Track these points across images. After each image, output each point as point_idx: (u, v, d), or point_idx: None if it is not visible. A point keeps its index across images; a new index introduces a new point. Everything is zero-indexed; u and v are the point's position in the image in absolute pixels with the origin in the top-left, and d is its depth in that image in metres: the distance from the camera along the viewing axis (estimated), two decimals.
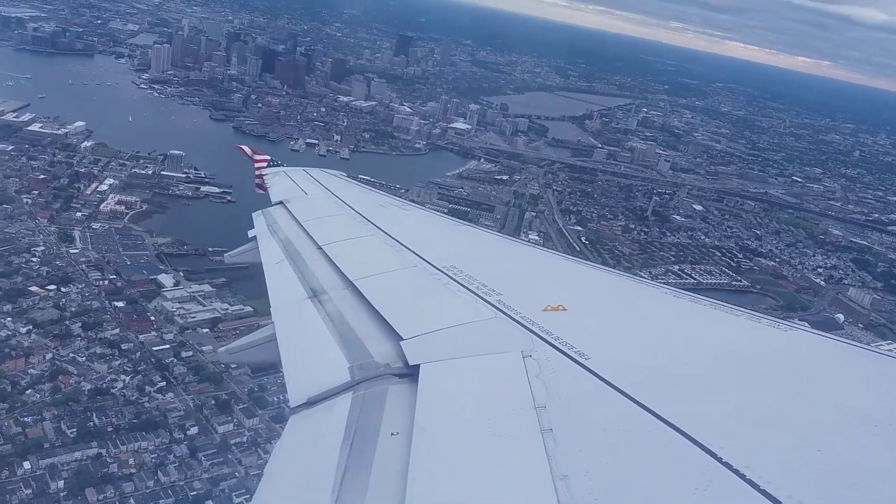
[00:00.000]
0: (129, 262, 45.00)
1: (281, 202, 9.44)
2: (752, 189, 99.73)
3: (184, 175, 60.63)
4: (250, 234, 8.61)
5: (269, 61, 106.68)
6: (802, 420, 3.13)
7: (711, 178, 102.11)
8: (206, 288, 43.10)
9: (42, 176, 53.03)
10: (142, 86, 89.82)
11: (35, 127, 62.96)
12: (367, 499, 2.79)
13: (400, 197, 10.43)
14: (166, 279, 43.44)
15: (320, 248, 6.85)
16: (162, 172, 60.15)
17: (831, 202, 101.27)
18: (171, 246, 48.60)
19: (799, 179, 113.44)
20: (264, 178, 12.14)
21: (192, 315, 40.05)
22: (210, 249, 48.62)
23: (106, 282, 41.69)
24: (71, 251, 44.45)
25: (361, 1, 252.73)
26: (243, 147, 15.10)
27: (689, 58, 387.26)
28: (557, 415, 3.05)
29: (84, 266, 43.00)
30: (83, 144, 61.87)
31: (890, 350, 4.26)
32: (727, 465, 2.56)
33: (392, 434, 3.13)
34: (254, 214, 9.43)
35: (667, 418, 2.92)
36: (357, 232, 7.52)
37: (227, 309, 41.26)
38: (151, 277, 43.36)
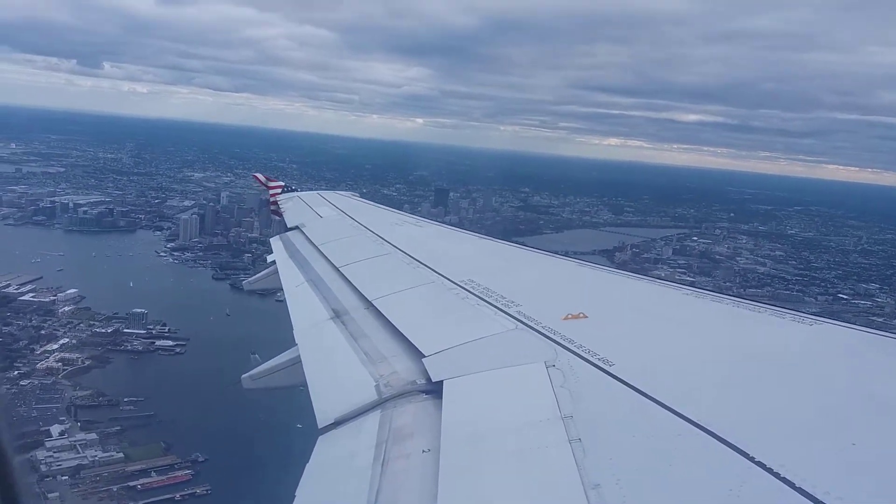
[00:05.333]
0: (34, 415, 47.37)
1: (297, 227, 10.46)
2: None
3: (145, 331, 64.43)
4: (269, 258, 9.74)
5: None
6: (835, 414, 3.09)
7: None
8: (91, 437, 44.52)
9: None
10: (161, 254, 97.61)
11: (28, 297, 69.49)
12: None
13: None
14: (57, 429, 45.41)
15: (338, 270, 7.24)
16: (124, 330, 64.30)
17: (873, 318, 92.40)
18: (86, 398, 50.91)
19: (845, 297, 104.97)
20: (279, 203, 13.47)
21: (57, 463, 41.33)
22: (125, 400, 50.81)
23: None
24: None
25: (434, 162, 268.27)
26: (258, 175, 16.39)
27: (778, 185, 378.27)
28: (585, 424, 3.06)
29: None
30: (62, 309, 67.48)
31: None
32: (760, 464, 2.54)
33: (424, 451, 3.16)
34: (272, 240, 10.77)
35: (696, 420, 2.91)
36: (373, 251, 7.96)
37: (96, 456, 42.35)
38: (44, 428, 45.46)
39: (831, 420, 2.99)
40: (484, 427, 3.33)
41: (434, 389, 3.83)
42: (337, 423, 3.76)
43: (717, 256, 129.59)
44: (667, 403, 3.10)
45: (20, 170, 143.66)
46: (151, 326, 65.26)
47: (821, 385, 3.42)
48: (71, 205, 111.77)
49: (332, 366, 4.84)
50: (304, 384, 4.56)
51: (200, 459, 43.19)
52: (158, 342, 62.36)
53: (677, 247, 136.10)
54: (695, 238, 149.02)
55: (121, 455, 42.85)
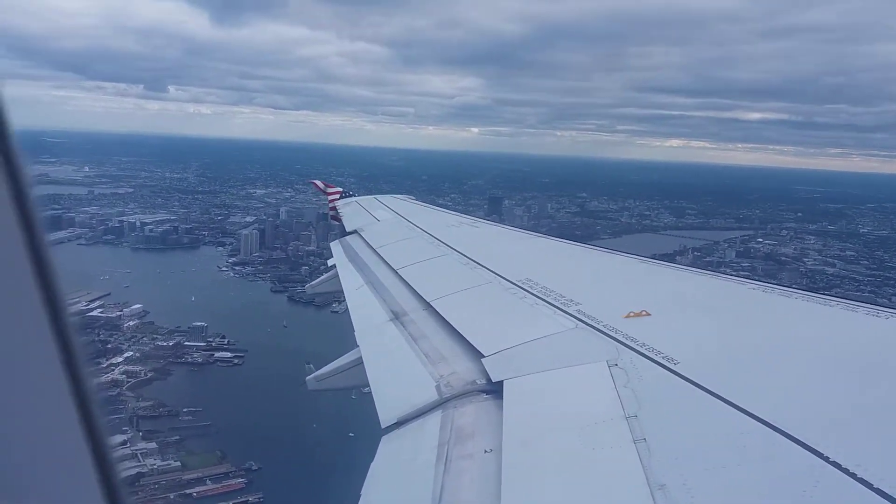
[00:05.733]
0: None
1: (355, 230, 10.93)
2: None
3: (205, 343, 66.30)
4: (329, 262, 10.20)
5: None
6: None
7: None
8: (152, 446, 46.08)
9: None
10: (223, 269, 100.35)
11: (97, 312, 72.41)
12: None
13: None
14: (119, 438, 47.06)
15: (396, 272, 7.32)
16: (185, 343, 66.32)
17: None
18: (148, 409, 52.73)
19: None
20: (337, 208, 14.38)
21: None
22: (184, 410, 52.40)
23: None
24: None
25: (489, 171, 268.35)
26: (316, 182, 17.11)
27: (850, 182, 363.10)
28: (650, 423, 3.03)
29: None
30: (127, 324, 70.10)
31: None
32: (835, 464, 2.44)
33: (486, 451, 3.19)
34: (332, 244, 11.21)
35: (765, 419, 2.84)
36: (430, 253, 8.04)
37: (155, 465, 43.78)
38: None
39: None
40: (546, 427, 3.33)
41: (494, 390, 3.83)
42: (399, 424, 3.79)
43: (783, 258, 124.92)
44: (734, 402, 3.02)
45: (92, 192, 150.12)
46: (211, 339, 67.15)
47: None
48: (138, 223, 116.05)
49: (393, 367, 4.89)
50: (366, 385, 4.63)
51: (254, 468, 44.17)
52: (217, 354, 64.11)
53: (741, 249, 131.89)
54: (760, 240, 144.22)
55: (178, 464, 44.20)
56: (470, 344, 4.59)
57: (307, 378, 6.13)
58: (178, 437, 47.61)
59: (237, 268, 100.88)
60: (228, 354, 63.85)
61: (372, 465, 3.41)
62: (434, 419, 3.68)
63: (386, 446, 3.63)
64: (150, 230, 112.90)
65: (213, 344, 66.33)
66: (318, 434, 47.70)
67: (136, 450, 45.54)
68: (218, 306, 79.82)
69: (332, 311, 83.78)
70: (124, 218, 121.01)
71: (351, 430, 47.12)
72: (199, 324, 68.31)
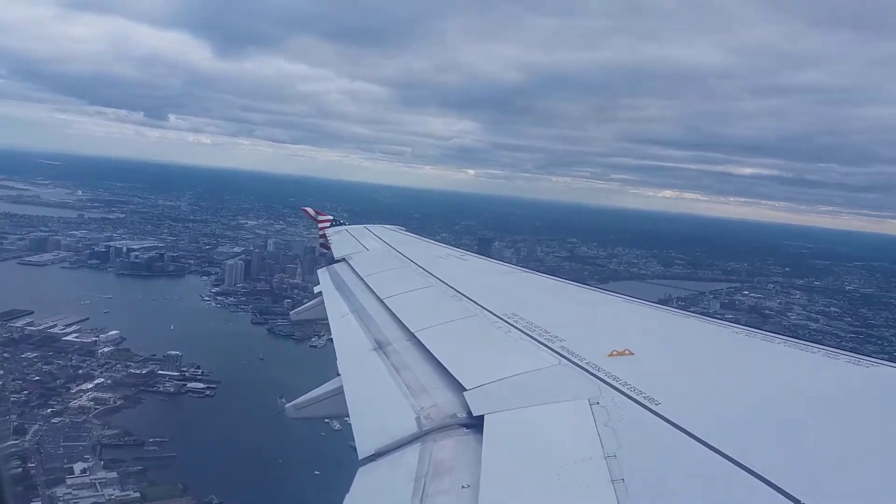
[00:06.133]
0: (60, 452, 48.65)
1: (343, 258, 10.75)
2: None
3: (178, 373, 65.73)
4: (316, 289, 9.89)
5: None
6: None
7: None
8: (112, 475, 45.34)
9: (37, 378, 60.09)
10: (205, 298, 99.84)
11: (71, 337, 71.89)
12: None
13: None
14: (80, 467, 46.38)
15: (382, 301, 7.27)
16: (158, 371, 65.74)
17: None
18: (113, 438, 52.01)
19: None
20: (328, 236, 14.27)
21: (75, 501, 42.12)
22: (150, 440, 51.74)
23: (20, 470, 45.27)
24: (11, 443, 48.97)
25: (482, 213, 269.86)
26: (307, 209, 16.91)
27: (839, 240, 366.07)
28: (629, 464, 2.98)
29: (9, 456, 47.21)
30: (102, 350, 69.53)
31: None
32: None
33: (463, 487, 3.13)
34: (319, 271, 10.79)
35: (745, 464, 2.81)
36: (417, 284, 7.99)
37: (112, 495, 43.03)
38: (67, 466, 46.50)
39: (892, 468, 2.82)
40: (525, 464, 3.28)
41: (475, 424, 3.79)
42: (377, 455, 3.74)
43: (767, 311, 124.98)
44: (715, 445, 2.99)
45: (83, 215, 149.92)
46: (185, 369, 66.65)
47: (879, 431, 3.23)
48: (125, 249, 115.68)
49: (373, 397, 4.84)
50: (346, 415, 4.63)
51: (215, 502, 43.46)
52: (190, 384, 63.58)
53: (726, 301, 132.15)
54: (745, 292, 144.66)
55: (137, 495, 43.55)
56: (452, 376, 4.52)
57: (286, 406, 5.99)
58: (141, 468, 46.98)
59: (220, 298, 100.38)
60: (201, 385, 63.32)
61: (347, 497, 3.34)
62: (412, 452, 3.62)
63: (362, 478, 3.54)
64: (136, 256, 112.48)
65: (187, 374, 65.82)
66: (284, 469, 47.16)
67: (96, 479, 44.90)
68: (196, 336, 79.23)
69: (310, 346, 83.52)
70: (111, 243, 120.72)
71: (317, 468, 46.68)
72: (173, 353, 67.87)
